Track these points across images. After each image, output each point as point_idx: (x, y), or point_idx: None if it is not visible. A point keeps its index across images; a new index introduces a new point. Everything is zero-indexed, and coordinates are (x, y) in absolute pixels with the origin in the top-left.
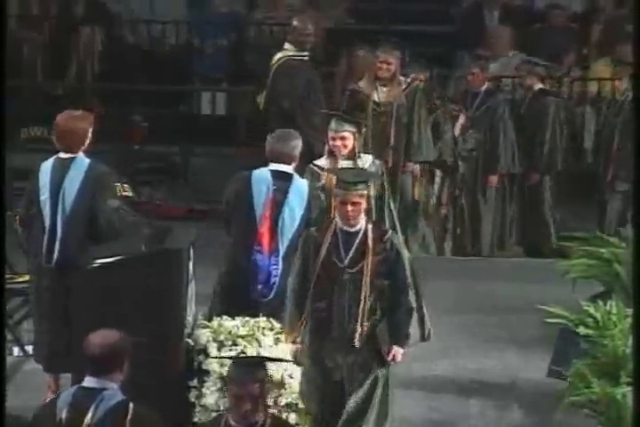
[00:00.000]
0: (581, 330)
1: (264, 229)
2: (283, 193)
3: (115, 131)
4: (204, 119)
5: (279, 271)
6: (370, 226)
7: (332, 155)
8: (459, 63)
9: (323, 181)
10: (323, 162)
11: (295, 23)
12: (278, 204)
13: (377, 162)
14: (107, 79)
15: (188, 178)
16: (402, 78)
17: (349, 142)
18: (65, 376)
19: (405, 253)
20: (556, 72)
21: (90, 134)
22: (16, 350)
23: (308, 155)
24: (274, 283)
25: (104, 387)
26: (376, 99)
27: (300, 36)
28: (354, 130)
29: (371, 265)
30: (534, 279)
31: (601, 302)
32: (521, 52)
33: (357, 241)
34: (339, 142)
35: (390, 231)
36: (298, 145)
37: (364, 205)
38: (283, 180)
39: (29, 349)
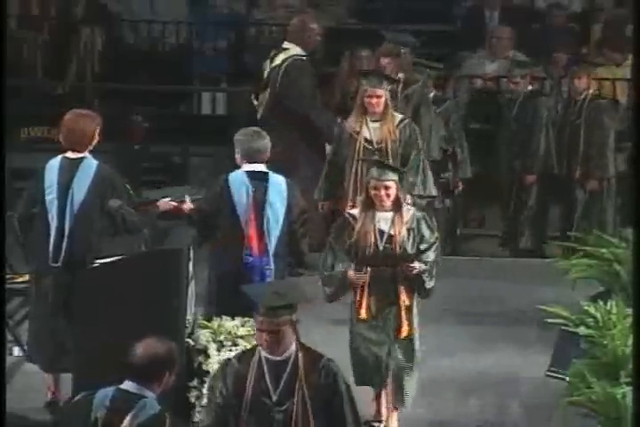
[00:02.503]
0: (581, 330)
1: (251, 232)
2: (262, 193)
3: (115, 131)
4: (204, 119)
5: (272, 271)
6: (300, 352)
7: (371, 205)
8: (459, 63)
9: (354, 237)
10: (358, 214)
11: (300, 23)
12: (260, 205)
13: (418, 214)
14: (107, 79)
15: (188, 178)
16: (395, 114)
17: (393, 192)
18: (65, 376)
19: (344, 383)
20: (553, 69)
21: (97, 134)
22: (16, 350)
23: (320, 154)
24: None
25: (143, 394)
26: (367, 136)
27: (308, 36)
28: (397, 178)
29: (305, 400)
30: (534, 279)
31: (601, 302)
32: (521, 53)
33: (287, 372)
34: (382, 192)
35: (325, 357)
36: (269, 142)
37: (288, 332)
38: (260, 180)
39: (27, 348)
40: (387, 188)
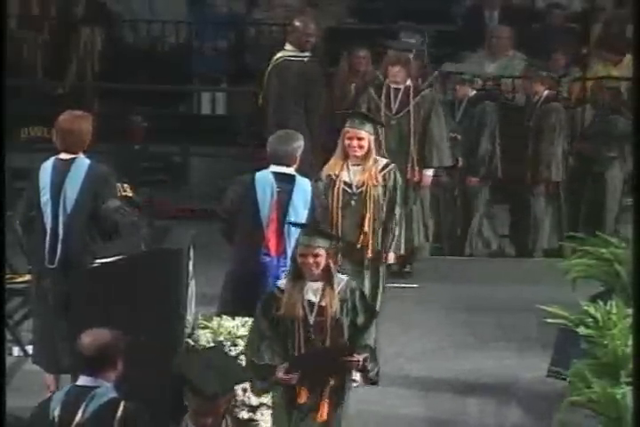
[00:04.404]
0: (581, 330)
1: (271, 232)
2: (287, 195)
3: (115, 131)
4: (203, 119)
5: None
6: None
7: (300, 275)
8: (459, 63)
9: (282, 311)
10: (285, 284)
11: (297, 23)
12: (283, 206)
13: (353, 284)
14: (107, 79)
15: (188, 178)
16: (379, 158)
17: (322, 260)
18: (65, 376)
19: None
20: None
21: (90, 135)
22: (16, 350)
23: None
24: None
25: (97, 385)
26: (347, 179)
27: (302, 37)
28: (327, 245)
29: None
30: (534, 279)
31: (601, 302)
32: (521, 52)
33: None
34: (311, 260)
35: None
36: (300, 146)
37: (223, 413)
38: (285, 181)
39: (29, 349)
40: (315, 255)
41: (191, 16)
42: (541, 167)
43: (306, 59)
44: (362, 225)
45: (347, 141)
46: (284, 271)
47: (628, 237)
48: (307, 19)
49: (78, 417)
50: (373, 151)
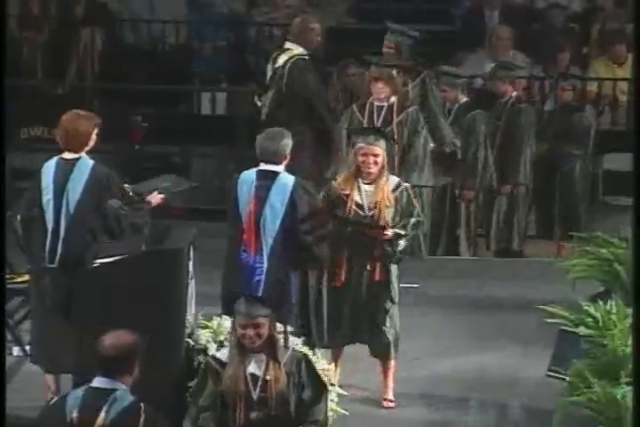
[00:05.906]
0: (581, 330)
1: (248, 228)
2: (265, 191)
3: (115, 131)
4: (203, 119)
5: (264, 270)
6: None
7: (241, 346)
8: (459, 63)
9: (221, 386)
10: (225, 355)
11: (302, 23)
12: (261, 202)
13: (299, 355)
14: (107, 79)
15: (188, 178)
16: (392, 177)
17: (264, 331)
18: (65, 376)
19: None
20: (553, 69)
21: (95, 136)
22: (16, 350)
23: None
24: (258, 281)
25: (114, 388)
26: (359, 200)
27: (309, 36)
28: (269, 313)
29: None
30: (534, 279)
31: (601, 302)
32: (521, 52)
33: None
34: (251, 332)
35: None
36: (288, 144)
37: None
38: (267, 178)
39: (29, 349)
40: (256, 326)
41: (191, 16)
42: (509, 169)
43: (306, 57)
44: (373, 249)
45: (361, 158)
46: (259, 268)
47: (628, 237)
48: (309, 17)
49: (101, 420)
50: (386, 168)
